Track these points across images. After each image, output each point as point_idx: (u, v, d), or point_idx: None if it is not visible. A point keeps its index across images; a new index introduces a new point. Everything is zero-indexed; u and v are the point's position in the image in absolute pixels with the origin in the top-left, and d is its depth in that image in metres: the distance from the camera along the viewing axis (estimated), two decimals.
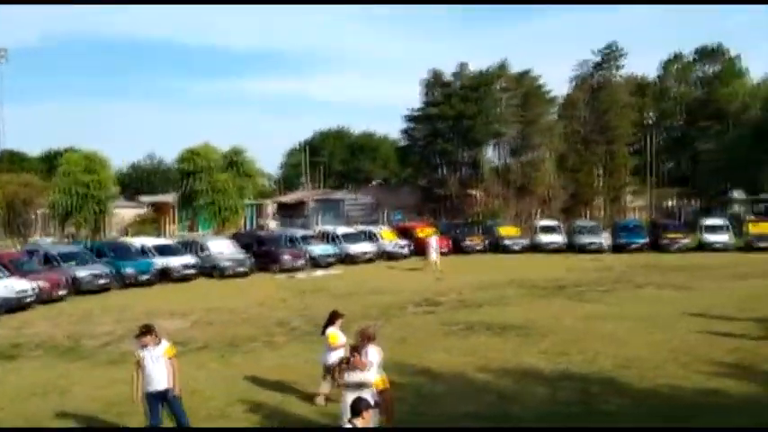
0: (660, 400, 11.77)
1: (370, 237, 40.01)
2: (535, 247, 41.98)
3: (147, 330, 9.84)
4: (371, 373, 8.64)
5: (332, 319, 11.62)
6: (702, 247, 39.81)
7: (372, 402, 6.85)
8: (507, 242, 42.37)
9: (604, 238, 41.69)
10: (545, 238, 42.58)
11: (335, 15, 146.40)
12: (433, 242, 33.51)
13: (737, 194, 67.51)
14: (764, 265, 31.88)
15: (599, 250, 40.18)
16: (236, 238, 38.13)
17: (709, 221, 43.29)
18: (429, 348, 15.78)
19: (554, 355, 14.96)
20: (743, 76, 68.25)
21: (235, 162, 47.45)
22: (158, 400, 9.74)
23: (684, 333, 16.91)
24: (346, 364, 9.00)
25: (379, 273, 33.06)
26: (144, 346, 9.75)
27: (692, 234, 41.81)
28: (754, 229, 40.91)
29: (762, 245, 38.71)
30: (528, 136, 58.01)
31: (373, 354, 9.23)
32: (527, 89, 58.39)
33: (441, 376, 13.36)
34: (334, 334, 11.42)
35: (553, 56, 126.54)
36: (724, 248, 39.11)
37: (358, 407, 6.59)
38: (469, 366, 14.09)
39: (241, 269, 32.59)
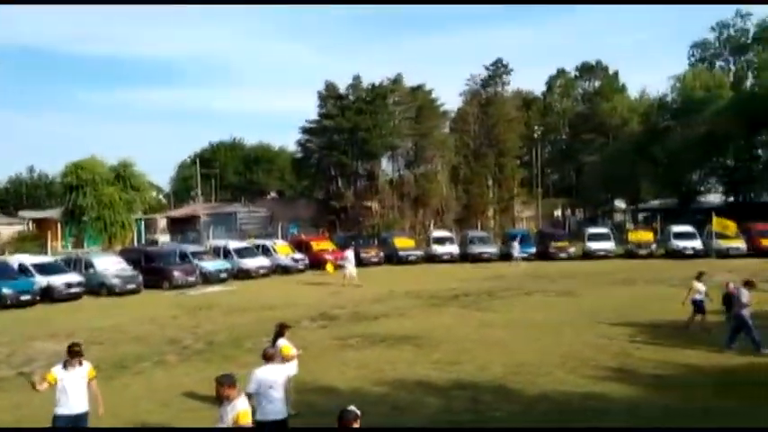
0: (549, 404, 12.08)
1: (265, 251, 39.38)
2: (430, 258, 42.59)
3: (78, 350, 9.26)
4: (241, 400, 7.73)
5: (281, 330, 11.54)
6: (587, 254, 41.53)
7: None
8: (403, 254, 42.75)
9: (496, 248, 42.89)
10: (439, 249, 43.29)
11: (231, 25, 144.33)
12: (350, 254, 33.18)
13: (619, 204, 71.04)
14: (644, 271, 33.58)
15: (491, 259, 41.27)
16: (124, 254, 36.62)
17: (593, 230, 45.27)
18: (323, 363, 15.60)
19: (447, 364, 15.12)
20: (622, 92, 71.95)
21: (123, 175, 45.76)
22: (69, 422, 9.13)
23: (572, 339, 17.51)
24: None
25: (274, 287, 32.56)
26: (66, 366, 9.15)
27: (578, 242, 43.55)
28: (635, 237, 43.07)
29: (641, 252, 40.78)
30: (422, 148, 58.98)
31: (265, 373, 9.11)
32: (421, 103, 59.41)
33: (335, 391, 13.21)
34: (287, 346, 11.30)
35: (446, 70, 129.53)
36: (607, 256, 40.92)
37: (346, 418, 6.37)
38: (364, 380, 14.04)
39: (130, 286, 31.31)
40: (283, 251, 40.00)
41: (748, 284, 16.16)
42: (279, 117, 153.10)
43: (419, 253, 43.19)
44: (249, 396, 8.80)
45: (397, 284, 30.88)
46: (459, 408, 12.05)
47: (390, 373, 14.56)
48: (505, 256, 41.36)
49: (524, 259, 40.09)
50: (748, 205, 55.68)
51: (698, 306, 18.23)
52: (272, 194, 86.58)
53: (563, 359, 15.24)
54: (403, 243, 44.31)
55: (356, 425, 6.36)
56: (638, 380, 13.61)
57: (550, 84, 75.92)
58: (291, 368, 10.85)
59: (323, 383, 13.74)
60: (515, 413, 11.72)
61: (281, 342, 11.36)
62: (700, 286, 18.53)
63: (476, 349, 16.55)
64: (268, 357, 9.45)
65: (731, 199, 59.43)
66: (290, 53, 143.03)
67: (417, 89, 60.07)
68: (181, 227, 62.56)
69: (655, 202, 67.46)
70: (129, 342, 19.37)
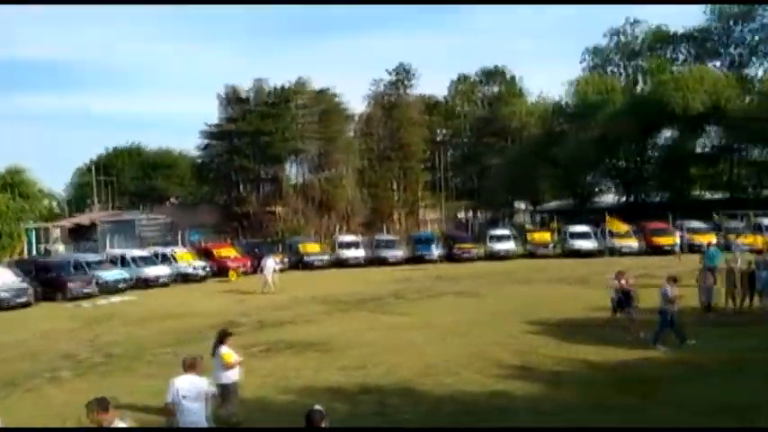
0: (455, 405, 12.19)
1: (165, 259, 38.17)
2: (337, 263, 42.44)
3: None
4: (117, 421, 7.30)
5: (221, 338, 11.43)
6: (491, 255, 42.44)
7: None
8: (309, 259, 42.40)
9: (403, 251, 43.24)
10: (347, 253, 43.23)
11: (130, 27, 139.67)
12: (270, 261, 32.35)
13: (520, 206, 73.03)
14: (543, 270, 34.58)
15: (399, 263, 41.53)
16: (15, 265, 34.70)
17: (496, 232, 46.30)
18: None
19: (354, 369, 15.04)
20: (522, 96, 74.03)
21: (12, 183, 43.38)
22: None
23: (478, 338, 17.78)
24: None
25: (176, 297, 31.58)
26: None
27: (481, 244, 44.44)
28: (534, 237, 44.35)
29: (541, 252, 42.01)
30: (327, 152, 58.77)
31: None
32: (326, 106, 59.18)
33: (240, 401, 12.87)
34: (229, 353, 11.24)
35: (352, 74, 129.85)
36: (509, 256, 41.92)
37: (314, 418, 6.55)
38: (270, 388, 13.77)
39: (21, 299, 29.60)
40: (185, 259, 38.86)
41: (672, 280, 16.84)
42: (180, 121, 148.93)
43: (326, 258, 42.97)
44: (169, 405, 8.95)
45: (303, 290, 30.57)
46: (365, 412, 11.99)
47: (296, 380, 14.35)
48: (413, 259, 41.74)
49: (433, 261, 40.60)
50: (641, 205, 58.35)
51: (619, 303, 18.64)
52: (173, 201, 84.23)
53: (469, 359, 15.43)
54: (309, 248, 43.93)
55: (324, 424, 6.54)
56: (540, 377, 13.94)
57: (453, 88, 77.30)
58: (234, 374, 11.12)
59: None
60: (422, 414, 11.77)
61: (223, 349, 11.23)
62: (617, 284, 18.87)
63: (383, 353, 16.54)
64: (187, 366, 9.24)
65: (625, 199, 62.07)
66: (190, 55, 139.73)
67: (322, 92, 59.80)
68: (78, 236, 59.92)
69: (554, 203, 69.70)
70: (19, 359, 18.30)
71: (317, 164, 60.05)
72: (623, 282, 18.14)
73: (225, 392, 11.12)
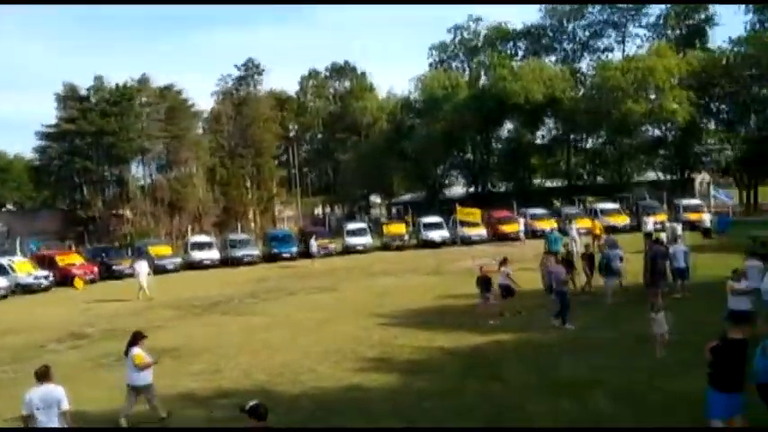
0: (312, 402, 12.18)
1: (3, 270, 35.51)
2: (190, 265, 41.19)
3: None
4: None
5: (134, 340, 11.65)
6: (347, 250, 42.75)
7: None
8: (160, 262, 40.71)
9: (258, 250, 42.67)
10: (199, 255, 42.05)
11: None
12: (143, 265, 30.58)
13: (375, 199, 74.11)
14: (399, 262, 35.35)
15: (254, 262, 40.93)
16: None
17: (351, 226, 46.70)
18: (74, 386, 14.28)
19: (208, 374, 14.69)
20: (372, 92, 74.99)
21: None
22: None
23: (334, 334, 17.86)
24: None
25: (15, 309, 29.50)
26: None
27: (338, 239, 44.69)
28: (389, 230, 45.13)
29: (396, 244, 42.84)
30: (175, 151, 56.96)
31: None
32: (171, 103, 57.30)
33: (86, 415, 12.19)
34: (140, 354, 11.46)
35: (197, 70, 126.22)
36: (365, 250, 42.44)
37: (258, 411, 7.15)
38: (120, 400, 13.09)
39: None
40: (24, 269, 36.31)
41: (565, 263, 17.97)
42: (13, 122, 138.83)
43: (178, 260, 41.52)
44: (24, 419, 8.93)
45: (154, 295, 29.39)
46: (222, 417, 11.71)
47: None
48: (269, 258, 41.34)
49: (287, 258, 40.34)
50: (487, 195, 60.87)
51: (506, 290, 19.17)
52: (9, 207, 78.49)
53: (325, 355, 15.48)
54: (159, 251, 42.25)
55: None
56: (396, 367, 14.24)
57: (303, 84, 77.06)
58: (148, 375, 11.51)
59: (73, 408, 12.61)
60: (281, 415, 11.63)
61: (135, 351, 11.47)
62: (505, 270, 19.41)
63: (238, 355, 16.27)
64: (39, 376, 9.00)
65: (472, 189, 64.49)
66: (23, 53, 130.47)
67: (166, 89, 57.84)
68: None
69: (407, 196, 71.27)
70: None
71: (165, 163, 58.02)
72: (483, 268, 18.84)
73: (138, 393, 11.58)
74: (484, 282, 18.56)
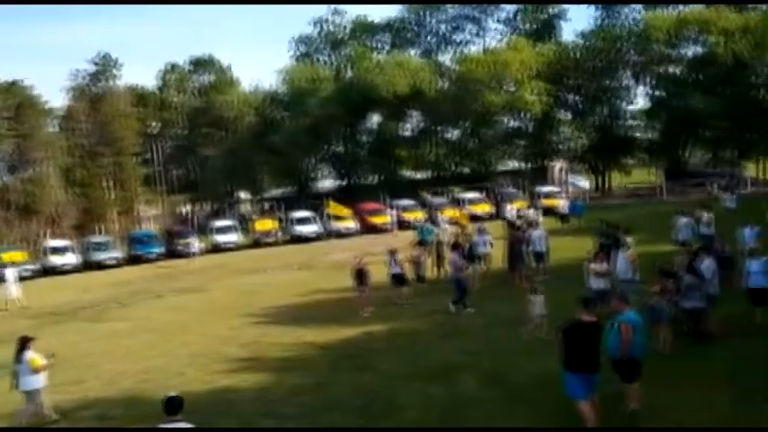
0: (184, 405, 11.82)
1: None
2: (48, 271, 38.92)
3: None
4: None
5: (23, 344, 11.53)
6: (216, 248, 41.78)
7: None
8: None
9: (120, 252, 40.94)
10: (57, 260, 39.82)
11: None
12: (9, 273, 28.16)
13: (243, 195, 72.82)
14: (270, 258, 34.91)
15: (117, 265, 39.20)
16: None
17: (219, 223, 45.65)
18: None
19: (71, 384, 13.96)
20: (235, 86, 73.44)
21: None
22: None
23: (202, 336, 17.46)
24: None
25: None
26: None
27: (206, 237, 43.59)
28: (259, 226, 44.45)
29: (267, 240, 42.31)
30: (26, 150, 53.56)
31: None
32: (20, 100, 53.76)
33: None
34: (35, 357, 11.40)
35: (47, 65, 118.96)
36: (235, 248, 41.63)
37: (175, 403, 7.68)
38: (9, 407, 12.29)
39: None
40: None
41: (456, 246, 18.52)
42: None
43: (33, 267, 39.07)
44: None
45: (9, 304, 27.50)
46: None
47: (4, 406, 12.90)
48: (133, 260, 39.80)
49: (152, 260, 38.99)
50: (357, 187, 61.20)
51: (397, 278, 19.25)
52: None
53: (193, 358, 15.13)
54: (12, 257, 39.51)
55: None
56: (267, 365, 14.13)
57: (164, 78, 74.39)
58: (41, 379, 11.41)
59: None
60: (150, 423, 11.24)
61: (29, 354, 11.37)
62: (391, 259, 19.43)
63: (102, 363, 15.60)
64: None
65: (342, 183, 64.66)
66: None
67: (13, 85, 54.17)
68: None
69: (276, 191, 70.42)
70: None
71: (16, 164, 54.44)
72: (358, 261, 18.91)
73: (33, 397, 11.45)
74: (359, 273, 18.66)
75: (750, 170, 53.12)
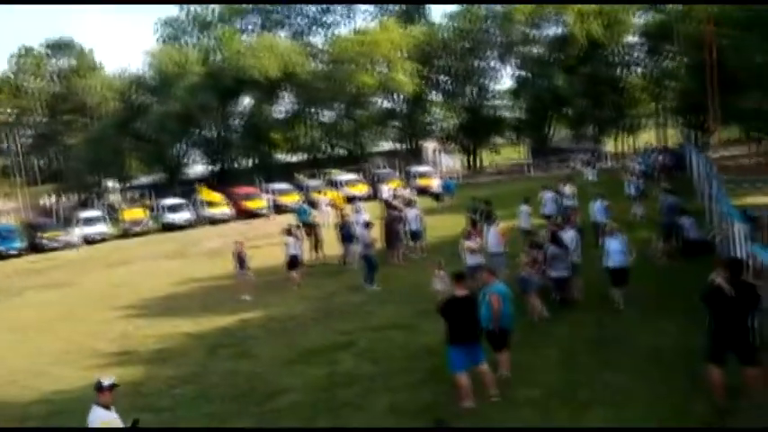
0: (47, 407, 11.28)
1: None
2: None
3: None
4: None
5: None
6: (84, 240, 39.73)
7: None
8: None
9: None
10: None
11: None
12: None
13: (111, 184, 69.76)
14: (140, 248, 33.55)
15: None
16: None
17: (85, 214, 43.42)
18: None
19: None
20: (98, 70, 69.93)
21: None
22: None
23: (69, 332, 16.64)
24: None
25: None
26: None
27: (71, 230, 41.35)
28: (128, 215, 42.69)
29: (136, 230, 40.69)
30: None
31: None
32: None
33: None
34: None
35: None
36: (102, 239, 39.78)
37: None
38: None
39: None
40: None
41: (368, 226, 18.60)
42: None
43: None
44: None
45: None
46: None
47: None
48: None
49: (12, 256, 36.65)
50: (231, 172, 59.95)
51: (293, 260, 18.79)
52: None
53: (59, 355, 14.40)
54: None
55: None
56: (140, 358, 13.66)
57: (18, 63, 69.71)
58: None
59: None
60: (14, 424, 10.66)
61: None
62: (290, 240, 18.93)
63: None
64: None
65: (214, 168, 63.05)
66: None
67: None
68: None
69: (146, 179, 67.92)
70: None
71: None
72: (238, 244, 18.48)
73: None
74: (239, 258, 18.26)
75: (609, 145, 56.36)
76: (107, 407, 7.31)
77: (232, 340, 14.17)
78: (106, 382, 7.40)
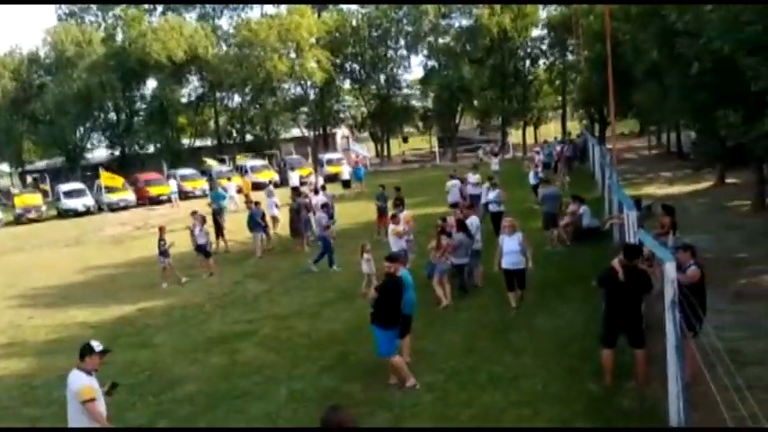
0: None
1: None
2: None
3: None
4: None
5: None
6: None
7: None
8: None
9: None
10: None
11: None
12: None
13: (3, 168, 66.39)
14: (34, 236, 32.00)
15: None
16: None
17: None
18: None
19: None
20: None
21: None
22: None
23: None
24: None
25: None
26: None
27: None
28: (21, 201, 40.66)
29: (30, 216, 38.86)
30: None
31: None
32: None
33: None
34: None
35: None
36: None
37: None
38: None
39: None
40: None
41: (325, 207, 18.88)
42: None
43: None
44: None
45: None
46: None
47: None
48: None
49: None
50: (134, 157, 57.97)
51: (202, 249, 18.27)
52: None
53: None
54: None
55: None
56: (31, 350, 13.10)
57: None
58: None
59: None
60: None
61: None
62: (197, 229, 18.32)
63: None
64: None
65: (117, 152, 60.78)
66: None
67: None
68: None
69: (42, 163, 64.95)
70: None
71: None
72: (163, 234, 17.85)
73: None
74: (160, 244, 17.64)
75: (514, 136, 57.72)
76: (89, 373, 6.83)
77: (131, 330, 13.75)
78: (97, 346, 6.92)
